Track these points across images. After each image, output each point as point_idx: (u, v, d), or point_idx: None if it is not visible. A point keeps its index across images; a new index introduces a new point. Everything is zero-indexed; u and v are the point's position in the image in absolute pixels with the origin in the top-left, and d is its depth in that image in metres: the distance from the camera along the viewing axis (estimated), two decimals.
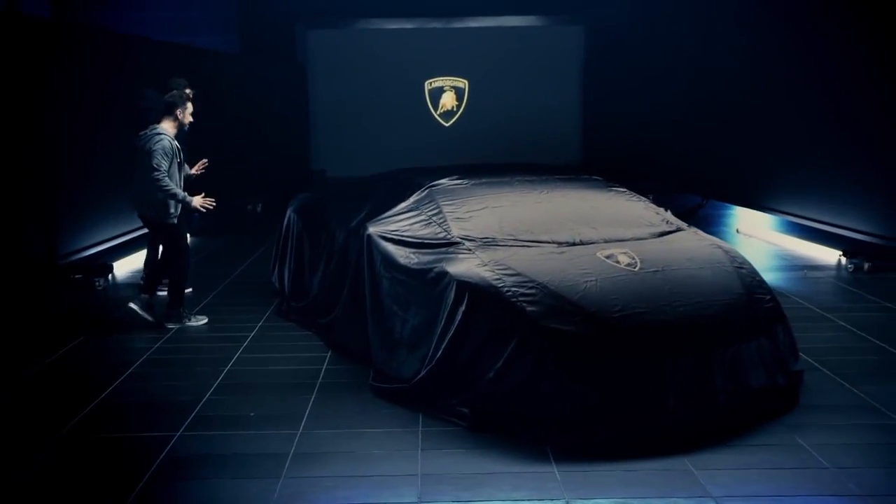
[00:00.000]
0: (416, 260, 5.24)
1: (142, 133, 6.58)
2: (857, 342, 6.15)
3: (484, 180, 6.17)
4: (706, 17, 12.12)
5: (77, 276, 8.01)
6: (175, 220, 6.63)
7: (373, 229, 5.63)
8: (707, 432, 4.46)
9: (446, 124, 17.09)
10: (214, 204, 6.68)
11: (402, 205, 5.86)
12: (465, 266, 4.94)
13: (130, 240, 9.13)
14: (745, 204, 11.18)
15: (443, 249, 5.24)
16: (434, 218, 5.58)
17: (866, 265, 8.33)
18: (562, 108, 16.96)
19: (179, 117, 6.61)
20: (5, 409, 5.05)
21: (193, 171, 6.92)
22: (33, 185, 7.55)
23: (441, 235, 5.39)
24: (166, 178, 6.39)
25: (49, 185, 7.74)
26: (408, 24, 16.70)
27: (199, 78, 10.92)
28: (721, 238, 10.21)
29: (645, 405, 4.44)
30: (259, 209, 12.96)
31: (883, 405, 4.89)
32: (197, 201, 6.59)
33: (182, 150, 6.67)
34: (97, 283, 7.97)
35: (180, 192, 6.50)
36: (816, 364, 5.59)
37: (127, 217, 9.02)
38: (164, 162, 6.40)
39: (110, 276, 8.34)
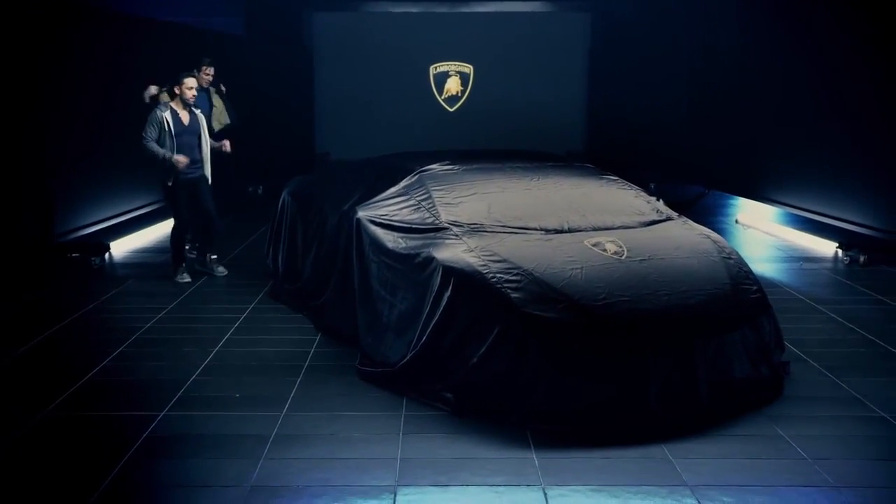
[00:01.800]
0: (403, 245, 5.24)
1: None
2: (846, 334, 6.13)
3: (475, 166, 6.16)
4: (712, 7, 12.03)
5: (74, 255, 8.04)
6: (169, 184, 7.33)
7: (362, 213, 5.64)
8: (688, 422, 4.46)
9: (451, 109, 17.02)
10: (187, 162, 7.28)
11: (392, 189, 5.87)
12: (452, 252, 4.95)
13: (128, 220, 9.15)
14: (746, 195, 11.13)
15: (430, 235, 5.24)
16: (423, 203, 5.58)
17: (862, 258, 8.30)
18: (567, 95, 16.88)
19: (177, 91, 7.38)
20: None
21: (217, 145, 7.70)
22: (30, 164, 7.57)
23: (429, 221, 5.39)
24: (147, 143, 7.17)
25: (46, 164, 7.75)
26: (413, 9, 16.63)
27: (202, 58, 10.95)
28: (719, 229, 10.27)
29: (626, 394, 4.44)
30: (260, 191, 12.97)
31: (866, 397, 4.89)
32: (176, 158, 7.20)
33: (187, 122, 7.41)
34: (93, 262, 8.00)
35: (159, 151, 7.18)
36: (803, 355, 5.59)
37: (124, 196, 9.06)
38: (150, 130, 7.20)
39: (107, 255, 8.37)
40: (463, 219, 5.38)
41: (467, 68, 16.95)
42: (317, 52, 16.53)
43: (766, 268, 8.25)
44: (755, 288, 5.06)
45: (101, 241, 8.37)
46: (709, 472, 4.01)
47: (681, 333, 4.60)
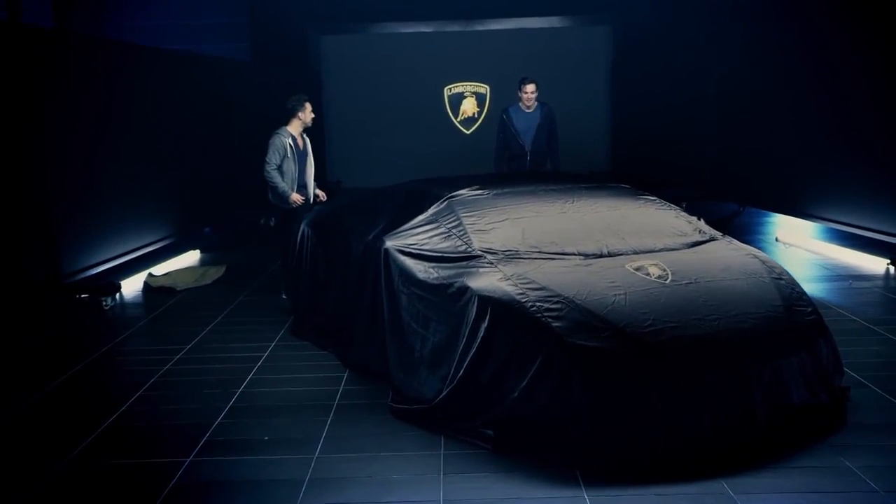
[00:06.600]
0: (435, 275, 5.26)
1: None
2: None
3: (506, 190, 6.19)
4: (741, 14, 12.09)
5: (83, 296, 8.10)
6: (293, 206, 7.82)
7: (390, 243, 5.67)
8: (745, 452, 4.44)
9: (467, 132, 17.12)
10: (301, 201, 7.82)
11: (421, 217, 5.89)
12: (487, 280, 4.96)
13: (139, 257, 9.22)
14: (785, 211, 11.11)
15: (463, 263, 5.26)
16: (454, 230, 5.60)
17: None
18: (590, 112, 16.95)
19: (301, 117, 7.91)
20: (9, 435, 5.11)
21: (319, 192, 8.18)
22: (35, 200, 7.64)
23: (461, 248, 5.41)
24: (272, 172, 7.72)
25: (52, 200, 7.83)
26: (425, 28, 16.78)
27: (208, 86, 11.11)
28: (759, 248, 10.24)
29: (679, 424, 4.42)
30: (272, 223, 12.99)
31: None
32: (293, 198, 7.77)
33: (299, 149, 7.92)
34: (104, 303, 8.06)
35: (281, 185, 7.72)
36: (863, 380, 5.55)
37: (135, 233, 9.13)
38: (273, 156, 7.73)
39: (118, 294, 8.43)
40: (497, 245, 5.39)
41: (483, 88, 17.08)
42: (325, 76, 16.70)
43: (814, 287, 8.22)
44: (810, 310, 5.05)
45: (111, 281, 8.43)
46: None
47: (733, 359, 4.57)
